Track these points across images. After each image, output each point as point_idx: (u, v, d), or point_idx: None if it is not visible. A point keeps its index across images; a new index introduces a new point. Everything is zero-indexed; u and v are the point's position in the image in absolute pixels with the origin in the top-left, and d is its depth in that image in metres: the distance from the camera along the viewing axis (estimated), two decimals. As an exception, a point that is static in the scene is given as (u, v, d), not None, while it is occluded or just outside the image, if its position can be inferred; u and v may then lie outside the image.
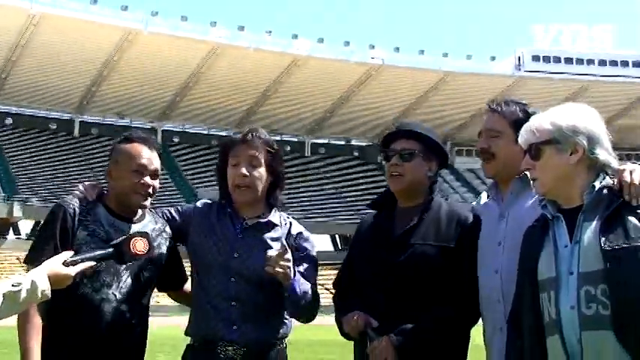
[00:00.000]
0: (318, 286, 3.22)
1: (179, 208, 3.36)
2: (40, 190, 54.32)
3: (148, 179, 3.07)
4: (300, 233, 3.23)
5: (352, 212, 59.42)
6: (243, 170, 3.11)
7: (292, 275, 2.95)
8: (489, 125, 3.12)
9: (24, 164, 57.43)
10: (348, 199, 63.35)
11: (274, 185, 3.22)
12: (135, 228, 3.05)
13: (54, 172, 57.41)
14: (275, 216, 3.22)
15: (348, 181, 66.71)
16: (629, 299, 2.28)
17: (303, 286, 3.04)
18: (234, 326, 3.02)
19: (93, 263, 2.69)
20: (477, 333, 3.13)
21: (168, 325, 18.38)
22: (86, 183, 3.21)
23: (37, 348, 2.84)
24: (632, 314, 2.28)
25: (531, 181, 2.63)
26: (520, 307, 2.58)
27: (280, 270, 2.90)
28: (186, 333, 3.17)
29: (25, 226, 55.37)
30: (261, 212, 3.20)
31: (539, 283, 2.49)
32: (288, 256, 2.93)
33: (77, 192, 3.13)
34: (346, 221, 57.15)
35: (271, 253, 2.91)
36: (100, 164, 56.65)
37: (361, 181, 66.91)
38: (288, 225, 3.24)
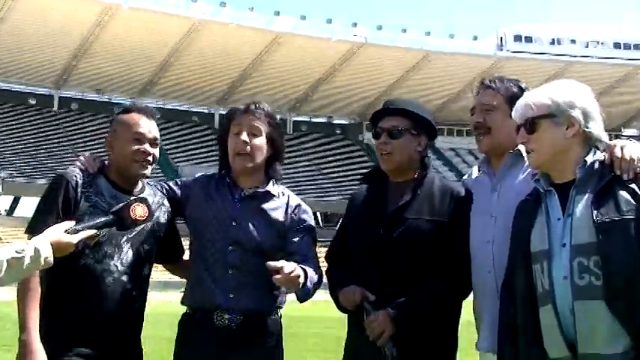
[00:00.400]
0: None
1: (177, 181, 3.39)
2: (19, 166, 53.77)
3: (147, 147, 3.09)
4: (299, 205, 3.27)
5: (334, 190, 59.54)
6: (244, 137, 3.15)
7: (303, 279, 2.90)
8: (484, 100, 3.15)
9: (3, 139, 56.80)
10: (330, 177, 63.42)
11: (273, 158, 3.26)
12: None
13: (34, 147, 56.76)
14: (273, 188, 3.26)
15: (330, 159, 66.72)
16: (620, 270, 2.36)
17: (312, 279, 3.01)
18: (231, 294, 3.07)
19: (95, 231, 2.71)
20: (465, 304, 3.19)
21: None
22: (87, 154, 3.22)
23: (35, 316, 2.86)
24: (622, 284, 2.36)
25: (525, 155, 2.68)
26: (512, 278, 2.65)
27: (290, 283, 2.86)
28: (183, 302, 3.21)
29: (5, 202, 54.98)
30: (259, 183, 3.24)
31: (532, 255, 2.56)
32: (289, 267, 2.83)
33: (78, 163, 3.13)
34: (328, 199, 57.28)
35: (276, 277, 2.82)
36: (80, 140, 56.27)
37: (343, 159, 66.97)
38: (286, 197, 3.28)
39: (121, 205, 2.81)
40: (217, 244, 3.12)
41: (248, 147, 3.15)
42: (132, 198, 2.88)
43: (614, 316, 2.35)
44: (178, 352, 3.16)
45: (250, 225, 3.13)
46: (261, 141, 3.18)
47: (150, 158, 3.11)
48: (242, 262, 3.10)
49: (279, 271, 2.81)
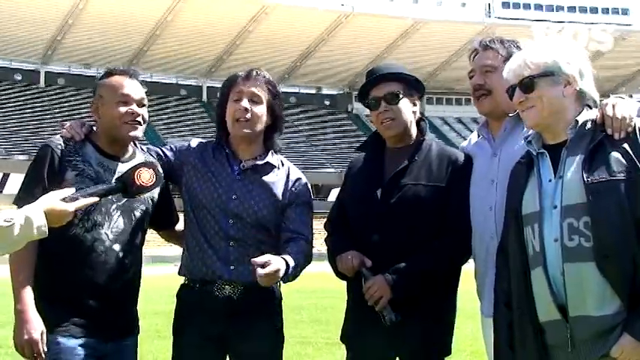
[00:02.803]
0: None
1: (172, 146, 3.31)
2: (5, 142, 53.34)
3: (135, 107, 3.02)
4: (299, 179, 3.23)
5: (324, 161, 59.46)
6: (245, 104, 3.09)
7: (284, 270, 2.85)
8: (485, 62, 3.11)
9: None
10: (320, 148, 63.30)
11: (272, 128, 3.20)
12: (122, 167, 2.99)
13: (20, 123, 56.31)
14: (272, 158, 3.21)
15: (319, 130, 66.56)
16: (610, 231, 2.36)
17: (293, 266, 2.94)
18: (231, 266, 3.05)
19: (96, 199, 2.61)
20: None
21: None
22: (73, 121, 3.14)
23: (29, 286, 2.83)
24: (612, 245, 2.35)
25: (522, 114, 2.63)
26: (507, 241, 2.64)
27: (271, 280, 2.84)
28: (180, 273, 3.19)
29: (-6, 179, 54.53)
30: (258, 154, 3.18)
31: (524, 218, 2.56)
32: (270, 268, 2.80)
33: (64, 131, 3.06)
34: (318, 170, 57.20)
35: (260, 272, 2.78)
36: (67, 114, 55.71)
37: (332, 130, 66.82)
38: (286, 169, 3.23)
39: (126, 170, 2.73)
40: (217, 217, 3.08)
41: (248, 114, 3.09)
42: (140, 162, 2.78)
43: (604, 278, 2.34)
44: (178, 323, 3.15)
45: (251, 199, 3.10)
46: (261, 109, 3.12)
47: (139, 119, 3.03)
48: (243, 235, 3.07)
49: (263, 265, 2.77)
